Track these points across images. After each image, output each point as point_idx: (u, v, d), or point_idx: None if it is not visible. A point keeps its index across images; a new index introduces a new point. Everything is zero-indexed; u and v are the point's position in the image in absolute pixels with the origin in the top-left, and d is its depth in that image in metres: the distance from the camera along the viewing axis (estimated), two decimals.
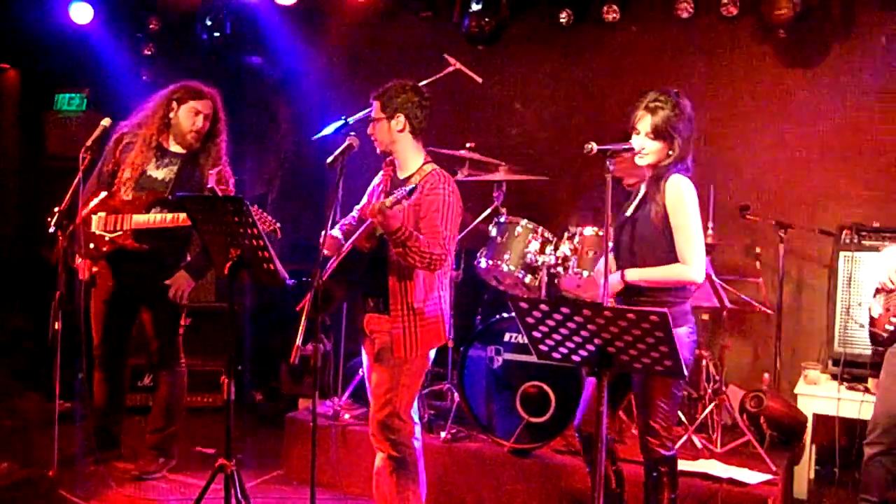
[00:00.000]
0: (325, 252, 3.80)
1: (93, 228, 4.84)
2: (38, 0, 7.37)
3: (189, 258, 5.04)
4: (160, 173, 4.92)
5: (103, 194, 4.86)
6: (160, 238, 4.86)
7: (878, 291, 4.40)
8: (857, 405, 4.98)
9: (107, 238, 4.81)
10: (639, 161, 3.72)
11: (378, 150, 4.00)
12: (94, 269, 4.87)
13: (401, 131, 3.92)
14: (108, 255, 4.85)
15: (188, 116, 4.90)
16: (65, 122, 7.60)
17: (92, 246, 4.82)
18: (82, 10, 7.35)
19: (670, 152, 3.67)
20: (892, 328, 4.26)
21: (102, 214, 4.85)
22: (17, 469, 4.92)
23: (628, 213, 3.82)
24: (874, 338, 4.40)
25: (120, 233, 4.82)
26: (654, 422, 3.72)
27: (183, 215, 4.63)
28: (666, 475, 3.76)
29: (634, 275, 3.66)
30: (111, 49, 7.42)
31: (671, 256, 3.64)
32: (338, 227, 4.11)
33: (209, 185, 4.73)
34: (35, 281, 7.04)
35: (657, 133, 3.65)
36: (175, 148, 4.97)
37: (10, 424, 6.00)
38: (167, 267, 4.93)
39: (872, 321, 4.38)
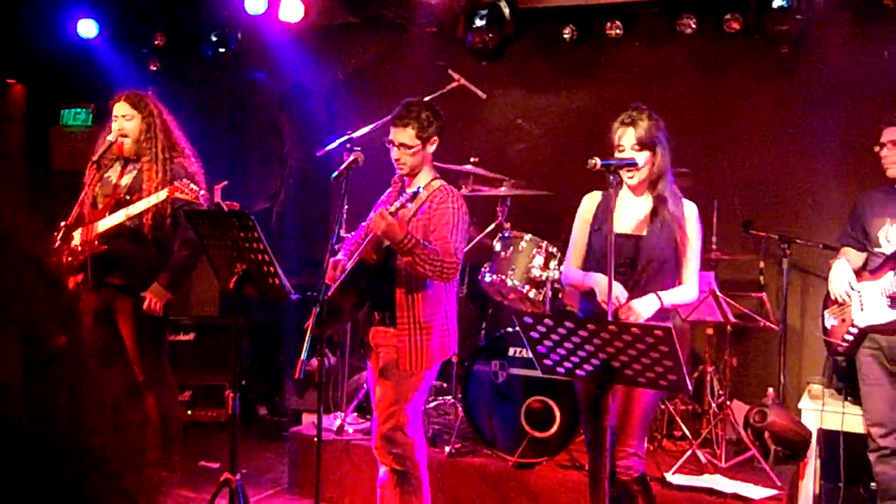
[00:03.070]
0: (326, 281, 3.79)
1: (73, 244, 4.85)
2: (44, 16, 7.42)
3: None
4: (123, 179, 4.94)
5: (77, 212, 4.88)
6: (131, 240, 4.85)
7: (830, 304, 4.60)
8: (861, 419, 4.97)
9: (79, 248, 4.81)
10: (630, 181, 3.73)
11: (401, 173, 4.02)
12: (77, 279, 4.84)
13: (431, 153, 3.99)
14: (84, 265, 4.80)
15: (113, 122, 4.96)
16: (71, 137, 7.64)
17: (71, 259, 4.82)
18: (87, 26, 7.40)
19: (654, 162, 3.69)
20: (851, 338, 4.47)
21: (80, 230, 4.86)
22: None
23: (626, 230, 3.77)
24: (833, 348, 4.63)
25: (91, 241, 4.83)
26: (637, 440, 3.69)
27: (143, 203, 4.67)
28: (643, 493, 3.74)
29: (669, 298, 3.67)
30: (117, 64, 7.46)
31: (677, 277, 3.74)
32: (342, 248, 4.12)
33: (216, 200, 4.74)
34: None
35: (642, 144, 3.67)
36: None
37: None
38: (145, 279, 4.91)
39: (827, 332, 4.61)
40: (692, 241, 3.76)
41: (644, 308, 3.60)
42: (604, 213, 3.72)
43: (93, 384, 0.69)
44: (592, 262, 3.81)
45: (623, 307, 3.58)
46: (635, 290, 3.65)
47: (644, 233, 3.74)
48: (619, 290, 3.58)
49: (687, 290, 3.76)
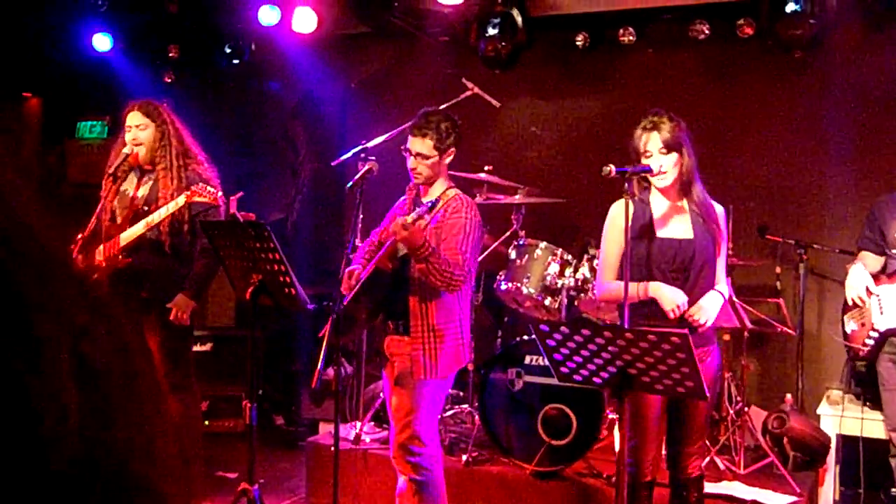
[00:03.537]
0: (343, 290, 3.80)
1: (97, 259, 4.86)
2: (60, 29, 7.48)
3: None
4: (140, 191, 4.95)
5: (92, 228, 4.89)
6: (151, 252, 4.85)
7: (848, 308, 4.59)
8: (880, 425, 4.95)
9: (104, 264, 4.82)
10: (660, 183, 3.68)
11: (416, 182, 4.02)
12: None
13: (448, 164, 4.00)
14: (109, 279, 4.80)
15: (126, 133, 4.95)
16: (86, 150, 7.69)
17: (95, 274, 4.83)
18: (102, 41, 7.45)
19: (682, 163, 3.67)
20: (872, 342, 4.45)
21: (102, 246, 4.87)
22: None
23: (676, 234, 3.74)
24: (854, 353, 4.63)
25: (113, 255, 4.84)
26: (699, 441, 3.76)
27: (162, 211, 4.66)
28: (697, 496, 3.75)
29: (726, 294, 3.74)
30: (132, 77, 7.50)
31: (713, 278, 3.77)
32: (355, 258, 4.13)
33: (231, 211, 4.76)
34: None
35: (669, 147, 3.63)
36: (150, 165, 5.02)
37: None
38: (168, 290, 4.91)
39: (848, 337, 4.60)
40: (723, 242, 3.82)
41: (713, 306, 3.63)
42: (642, 220, 3.70)
43: (146, 393, 0.70)
44: (636, 270, 3.68)
45: (692, 309, 3.58)
46: (690, 295, 3.62)
47: (692, 236, 3.71)
48: (681, 296, 3.56)
49: (726, 288, 3.81)
